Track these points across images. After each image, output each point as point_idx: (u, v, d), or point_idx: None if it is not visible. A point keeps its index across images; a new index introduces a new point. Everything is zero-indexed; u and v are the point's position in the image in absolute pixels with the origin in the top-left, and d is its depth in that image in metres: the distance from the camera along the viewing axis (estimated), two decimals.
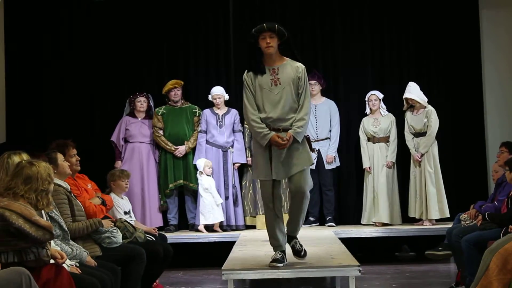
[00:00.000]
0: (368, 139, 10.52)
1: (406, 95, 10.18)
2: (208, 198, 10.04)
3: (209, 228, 10.14)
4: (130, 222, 7.53)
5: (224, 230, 10.18)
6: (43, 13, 10.94)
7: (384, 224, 10.29)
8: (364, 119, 10.60)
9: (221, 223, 10.18)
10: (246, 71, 6.37)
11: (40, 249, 4.74)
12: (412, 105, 10.24)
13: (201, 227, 10.07)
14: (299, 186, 6.28)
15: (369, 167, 10.45)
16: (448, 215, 10.03)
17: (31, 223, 4.66)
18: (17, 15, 10.92)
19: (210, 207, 10.03)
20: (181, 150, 10.36)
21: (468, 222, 8.04)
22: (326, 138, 10.58)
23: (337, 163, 10.67)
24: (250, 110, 6.27)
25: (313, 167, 10.42)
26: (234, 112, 10.44)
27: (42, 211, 5.20)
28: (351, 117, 10.93)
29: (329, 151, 10.58)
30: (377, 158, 10.42)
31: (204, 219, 10.09)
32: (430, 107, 10.15)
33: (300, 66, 6.35)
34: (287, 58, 6.37)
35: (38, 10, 10.93)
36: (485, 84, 11.01)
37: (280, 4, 11.17)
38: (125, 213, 8.00)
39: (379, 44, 11.06)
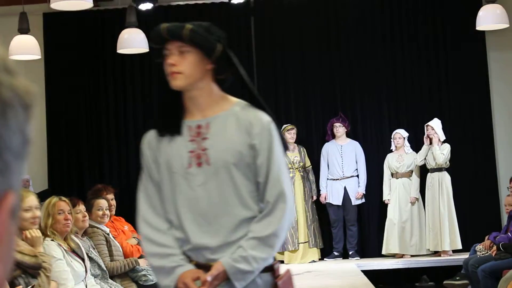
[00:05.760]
0: (392, 175, 10.51)
1: (429, 122, 10.12)
2: None
3: None
4: None
5: None
6: (80, 62, 11.07)
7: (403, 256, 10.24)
8: (389, 155, 10.60)
9: None
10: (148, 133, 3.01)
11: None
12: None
13: None
14: None
15: (388, 199, 10.42)
16: (460, 246, 9.96)
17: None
18: (56, 66, 11.08)
19: None
20: None
21: (483, 252, 8.01)
22: (352, 176, 10.59)
23: (363, 200, 10.68)
24: (145, 213, 2.88)
25: (339, 203, 10.47)
26: None
27: (83, 249, 5.25)
28: (371, 155, 10.89)
29: (360, 189, 10.57)
30: (402, 193, 10.38)
31: None
32: (447, 144, 10.09)
33: (260, 120, 2.81)
34: (235, 100, 2.91)
35: (76, 60, 11.07)
36: (495, 120, 10.98)
37: (299, 37, 11.20)
38: None
39: (394, 85, 11.05)
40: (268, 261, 2.82)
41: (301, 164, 10.53)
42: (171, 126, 2.87)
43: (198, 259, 2.81)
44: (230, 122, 2.83)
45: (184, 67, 2.79)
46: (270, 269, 2.84)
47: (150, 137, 2.93)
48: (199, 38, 2.77)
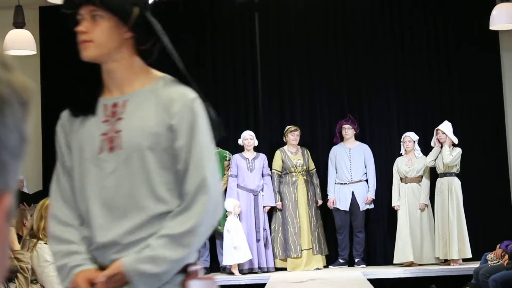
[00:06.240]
0: (401, 179, 10.45)
1: (439, 126, 10.07)
2: (228, 239, 9.96)
3: (227, 270, 10.07)
4: None
5: (255, 273, 10.11)
6: (77, 57, 11.03)
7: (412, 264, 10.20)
8: (398, 159, 10.45)
9: (251, 265, 10.13)
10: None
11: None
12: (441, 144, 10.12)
13: (234, 269, 10.00)
14: None
15: (398, 205, 10.36)
16: (469, 255, 9.88)
17: None
18: (53, 61, 11.00)
19: (229, 248, 9.95)
20: None
21: (494, 261, 7.98)
22: (360, 180, 10.52)
23: (372, 205, 10.58)
24: (55, 208, 2.56)
25: (347, 208, 10.41)
26: (263, 156, 10.40)
27: None
28: (378, 158, 10.85)
29: (369, 194, 10.43)
30: (411, 199, 10.30)
31: (223, 260, 10.04)
32: (458, 148, 10.05)
33: (182, 97, 2.48)
34: (159, 75, 2.57)
35: (72, 55, 11.04)
36: (508, 123, 10.93)
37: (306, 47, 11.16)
38: None
39: (403, 86, 11.03)
40: (183, 263, 2.40)
41: (305, 167, 10.42)
42: (84, 105, 2.56)
43: (103, 259, 2.43)
44: (149, 100, 2.48)
45: (95, 34, 2.48)
46: (183, 271, 2.43)
47: (64, 119, 2.64)
48: (112, 1, 2.44)
